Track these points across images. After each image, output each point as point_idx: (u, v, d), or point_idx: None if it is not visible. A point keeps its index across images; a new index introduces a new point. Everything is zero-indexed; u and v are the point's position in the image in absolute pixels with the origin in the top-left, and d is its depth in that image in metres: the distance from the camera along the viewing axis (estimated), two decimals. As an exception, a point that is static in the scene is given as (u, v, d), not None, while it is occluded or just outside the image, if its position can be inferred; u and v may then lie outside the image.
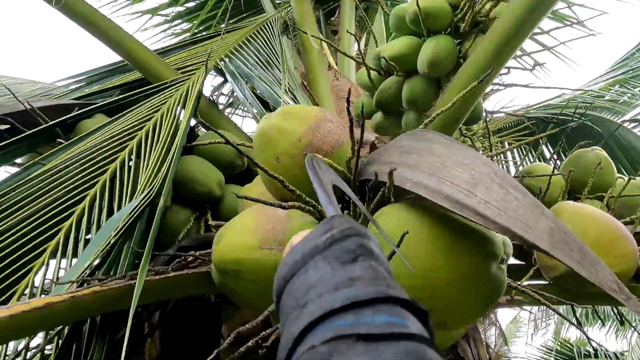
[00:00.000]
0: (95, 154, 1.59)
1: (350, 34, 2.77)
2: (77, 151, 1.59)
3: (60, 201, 1.43)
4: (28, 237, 1.32)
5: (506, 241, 1.05)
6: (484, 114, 2.02)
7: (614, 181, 2.00)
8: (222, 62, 2.26)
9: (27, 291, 1.21)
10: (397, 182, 1.05)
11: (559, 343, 6.90)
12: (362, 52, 3.30)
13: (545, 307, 1.52)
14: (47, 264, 1.29)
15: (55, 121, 1.75)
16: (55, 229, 1.36)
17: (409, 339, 0.48)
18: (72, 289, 1.06)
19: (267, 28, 2.68)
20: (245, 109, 3.12)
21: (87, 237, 1.44)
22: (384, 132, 2.21)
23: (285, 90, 1.86)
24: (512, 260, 1.82)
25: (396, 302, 0.53)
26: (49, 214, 1.39)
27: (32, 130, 1.68)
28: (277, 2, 3.61)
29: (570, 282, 1.59)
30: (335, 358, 0.46)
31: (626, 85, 3.68)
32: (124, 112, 1.82)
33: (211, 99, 2.25)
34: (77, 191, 1.47)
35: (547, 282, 1.71)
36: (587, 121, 3.15)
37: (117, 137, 1.67)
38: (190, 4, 3.60)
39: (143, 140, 1.69)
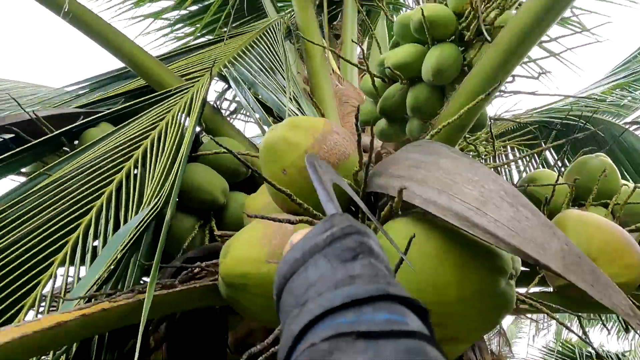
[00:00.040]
0: (101, 164, 1.59)
1: (355, 42, 2.77)
2: (83, 161, 1.59)
3: (67, 212, 1.43)
4: (36, 249, 1.32)
5: (514, 256, 1.05)
6: (489, 121, 2.01)
7: (619, 188, 1.99)
8: (226, 69, 2.26)
9: (35, 305, 1.22)
10: (406, 198, 1.05)
11: (560, 344, 6.89)
12: (365, 56, 3.30)
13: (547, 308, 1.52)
14: (55, 277, 1.29)
15: (61, 130, 1.75)
16: (63, 241, 1.36)
17: (409, 337, 0.48)
18: (80, 304, 1.06)
19: (270, 33, 2.68)
20: (248, 113, 3.12)
21: (95, 243, 1.45)
22: (387, 139, 2.21)
23: (290, 98, 1.86)
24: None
25: (396, 300, 0.53)
26: (56, 226, 1.39)
27: (38, 140, 1.68)
28: (278, 5, 3.61)
29: (574, 291, 1.59)
30: (336, 356, 0.46)
31: (627, 88, 3.68)
32: (129, 120, 1.82)
33: (215, 105, 2.25)
34: (83, 202, 1.47)
35: (551, 289, 1.72)
36: (589, 124, 3.15)
37: (122, 147, 1.67)
38: (193, 8, 3.59)
39: (148, 149, 1.69)
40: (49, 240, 1.35)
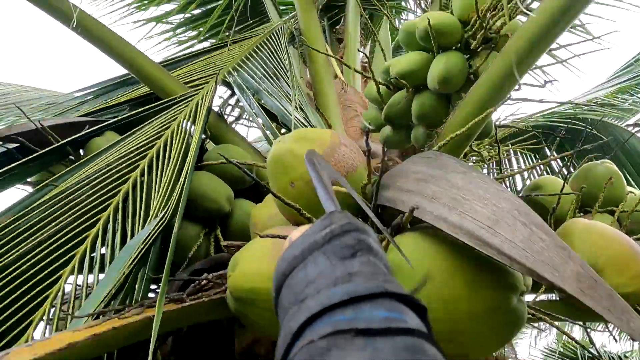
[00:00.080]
0: (107, 175, 1.58)
1: (361, 52, 2.77)
2: (89, 172, 1.58)
3: (74, 225, 1.42)
4: (43, 262, 1.32)
5: (525, 272, 1.05)
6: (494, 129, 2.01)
7: (625, 195, 1.99)
8: (230, 76, 2.25)
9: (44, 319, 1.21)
10: (416, 213, 1.05)
11: (562, 345, 6.88)
12: (369, 60, 3.30)
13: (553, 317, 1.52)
14: (64, 292, 1.29)
15: (67, 140, 1.75)
16: (71, 254, 1.36)
17: (407, 334, 0.48)
18: (89, 320, 1.06)
19: (274, 38, 2.68)
20: (251, 118, 3.12)
21: (102, 250, 1.44)
22: (392, 146, 2.20)
23: (296, 107, 1.86)
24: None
25: (394, 297, 0.53)
26: (64, 239, 1.38)
27: (44, 150, 1.68)
28: (281, 8, 3.60)
29: (580, 301, 1.59)
30: (334, 353, 0.46)
31: (630, 92, 3.67)
32: (134, 129, 1.82)
33: (219, 112, 2.25)
34: (90, 214, 1.46)
35: (556, 298, 1.71)
36: (592, 128, 3.15)
37: (128, 157, 1.67)
38: (196, 11, 3.59)
39: (154, 159, 1.69)
40: (57, 253, 1.35)
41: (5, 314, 1.21)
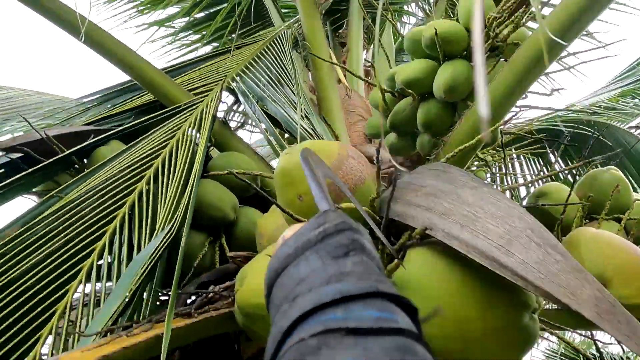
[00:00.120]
0: (112, 186, 1.58)
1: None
2: (94, 183, 1.57)
3: (80, 237, 1.42)
4: (50, 277, 1.31)
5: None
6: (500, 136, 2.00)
7: (632, 202, 1.98)
8: (234, 83, 2.25)
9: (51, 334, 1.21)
10: (427, 230, 1.04)
11: (563, 346, 6.88)
12: (371, 64, 3.29)
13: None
14: (71, 306, 1.28)
15: (72, 150, 1.74)
16: (77, 267, 1.36)
17: (398, 334, 0.48)
18: (97, 338, 1.05)
19: (277, 43, 2.67)
20: (253, 123, 3.11)
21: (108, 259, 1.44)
22: (397, 153, 2.20)
23: (302, 116, 1.85)
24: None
25: (386, 297, 0.53)
26: (70, 252, 1.38)
27: (50, 160, 1.67)
28: (284, 12, 3.60)
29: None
30: (324, 351, 0.46)
31: (633, 95, 3.67)
32: (139, 138, 1.81)
33: (223, 119, 2.24)
34: (96, 226, 1.46)
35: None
36: (595, 128, 3.14)
37: (133, 167, 1.66)
38: (199, 15, 3.58)
39: (160, 169, 1.68)
40: (64, 267, 1.34)
41: (13, 330, 1.20)
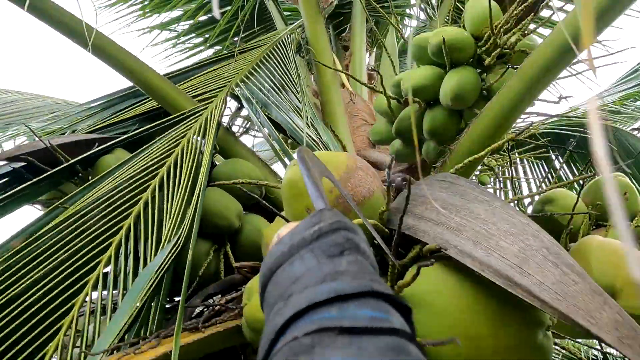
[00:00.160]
0: (117, 196, 1.56)
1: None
2: (99, 193, 1.56)
3: (86, 249, 1.40)
4: (56, 291, 1.30)
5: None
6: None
7: (639, 209, 1.97)
8: (238, 89, 2.23)
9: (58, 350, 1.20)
10: (440, 246, 1.03)
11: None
12: (375, 68, 3.28)
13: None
14: (77, 321, 1.27)
15: (76, 159, 1.72)
16: (83, 280, 1.34)
17: (391, 334, 0.48)
18: (104, 356, 1.04)
19: (280, 48, 2.65)
20: (256, 129, 3.10)
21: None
22: (403, 160, 2.19)
23: (307, 124, 1.84)
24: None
25: (380, 297, 0.53)
26: (76, 265, 1.36)
27: (54, 170, 1.66)
28: (286, 15, 3.58)
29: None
30: (318, 350, 0.46)
31: (636, 97, 3.65)
32: (144, 147, 1.80)
33: (227, 126, 2.23)
34: (102, 238, 1.44)
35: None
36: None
37: (138, 176, 1.65)
38: (202, 18, 3.57)
39: (165, 178, 1.67)
40: (70, 281, 1.33)
41: (19, 345, 1.19)
